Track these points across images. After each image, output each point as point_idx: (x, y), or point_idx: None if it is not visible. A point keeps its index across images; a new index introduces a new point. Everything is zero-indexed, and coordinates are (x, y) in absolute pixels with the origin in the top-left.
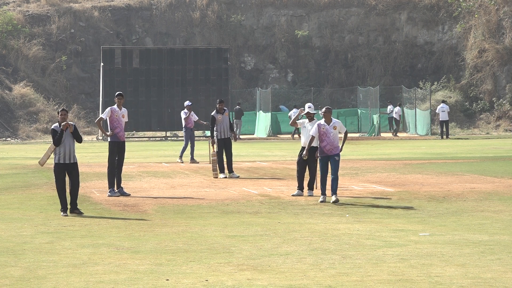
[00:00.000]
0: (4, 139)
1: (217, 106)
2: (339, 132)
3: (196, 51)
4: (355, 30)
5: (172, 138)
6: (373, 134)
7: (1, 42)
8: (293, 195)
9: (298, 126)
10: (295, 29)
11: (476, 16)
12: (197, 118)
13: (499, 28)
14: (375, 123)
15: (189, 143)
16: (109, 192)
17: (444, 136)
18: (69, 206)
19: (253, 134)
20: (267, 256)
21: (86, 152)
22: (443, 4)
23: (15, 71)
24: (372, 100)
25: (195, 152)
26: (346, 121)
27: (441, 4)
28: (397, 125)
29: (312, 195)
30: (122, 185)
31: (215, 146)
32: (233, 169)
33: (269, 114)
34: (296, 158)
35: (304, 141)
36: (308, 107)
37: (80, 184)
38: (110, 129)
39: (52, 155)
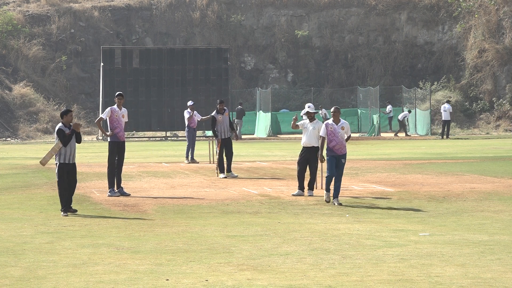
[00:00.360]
0: (4, 139)
1: (217, 106)
2: (345, 134)
3: (196, 51)
4: (355, 30)
5: (172, 138)
6: (373, 134)
7: (1, 42)
8: (293, 195)
9: (300, 128)
10: (295, 29)
11: (476, 16)
12: (201, 117)
13: (499, 28)
14: (375, 123)
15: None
16: (109, 192)
17: (444, 136)
18: None
19: (253, 134)
20: (267, 256)
21: (86, 152)
22: (443, 4)
23: (15, 71)
24: (372, 100)
25: (195, 152)
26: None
27: (441, 4)
28: (404, 128)
29: (312, 195)
30: (122, 185)
31: (219, 145)
32: (232, 169)
33: (269, 114)
34: (297, 158)
35: (304, 141)
36: (308, 107)
37: (78, 184)
38: (110, 129)
39: (54, 155)
